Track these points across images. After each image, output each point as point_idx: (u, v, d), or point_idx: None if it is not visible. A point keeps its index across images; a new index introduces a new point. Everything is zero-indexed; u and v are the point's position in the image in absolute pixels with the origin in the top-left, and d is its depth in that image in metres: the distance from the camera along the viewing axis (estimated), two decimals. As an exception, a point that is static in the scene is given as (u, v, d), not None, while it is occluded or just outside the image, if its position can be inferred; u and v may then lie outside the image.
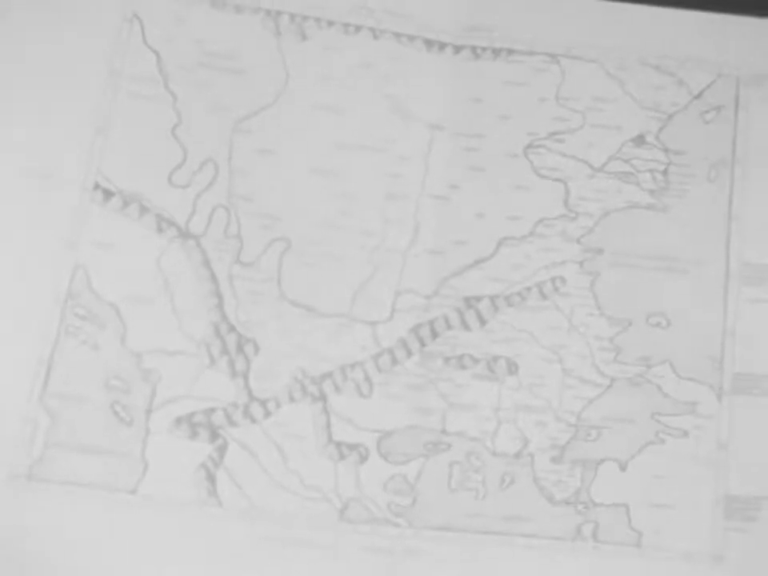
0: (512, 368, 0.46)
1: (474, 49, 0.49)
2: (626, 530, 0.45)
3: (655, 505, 0.45)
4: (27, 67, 0.47)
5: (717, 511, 0.45)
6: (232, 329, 0.45)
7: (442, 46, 0.49)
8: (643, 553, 0.44)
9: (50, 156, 0.46)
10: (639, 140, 0.48)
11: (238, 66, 0.48)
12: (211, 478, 0.44)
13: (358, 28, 0.49)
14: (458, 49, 0.49)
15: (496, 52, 0.49)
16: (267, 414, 0.45)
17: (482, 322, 0.46)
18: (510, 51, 0.49)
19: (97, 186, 0.46)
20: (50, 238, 0.45)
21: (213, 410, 0.44)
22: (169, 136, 0.47)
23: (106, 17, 0.48)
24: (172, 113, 0.47)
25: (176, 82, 0.48)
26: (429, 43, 0.49)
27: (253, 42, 0.48)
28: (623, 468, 0.45)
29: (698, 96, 0.49)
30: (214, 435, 0.44)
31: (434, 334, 0.46)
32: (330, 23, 0.49)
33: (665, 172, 0.48)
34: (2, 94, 0.46)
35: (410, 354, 0.46)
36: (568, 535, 0.44)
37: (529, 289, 0.47)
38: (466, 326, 0.46)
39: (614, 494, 0.45)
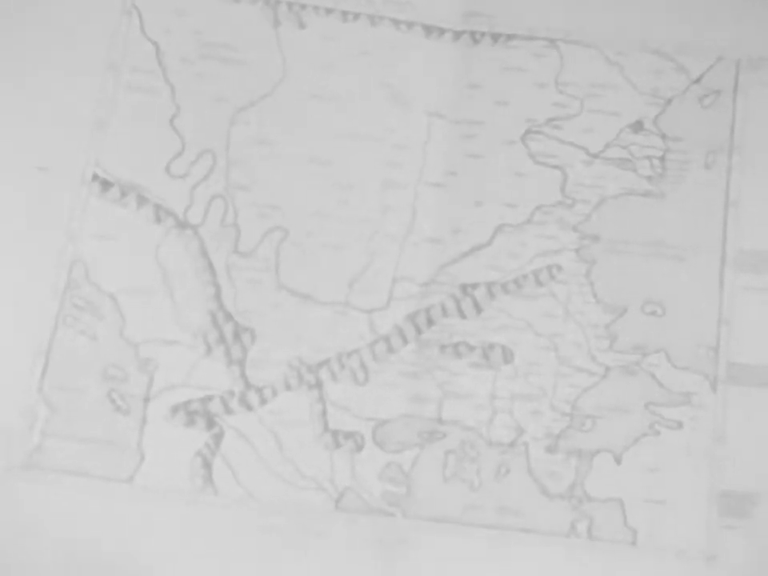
0: (508, 356, 0.46)
1: (473, 35, 0.49)
2: (621, 527, 0.44)
3: (650, 500, 0.44)
4: (25, 58, 0.47)
5: (711, 508, 0.44)
6: (229, 318, 0.46)
7: (441, 32, 0.49)
8: (638, 550, 0.44)
9: (49, 147, 0.46)
10: (637, 126, 0.48)
11: (237, 57, 0.48)
12: (207, 466, 0.44)
13: (356, 15, 0.49)
14: (457, 35, 0.49)
15: (495, 38, 0.49)
16: (263, 401, 0.45)
17: (479, 309, 0.46)
18: (509, 37, 0.49)
19: (95, 177, 0.46)
20: (48, 229, 0.46)
21: (209, 398, 0.45)
22: (167, 126, 0.47)
23: (106, 8, 0.48)
24: (170, 103, 0.48)
25: (175, 73, 0.48)
26: (428, 30, 0.49)
27: (251, 32, 0.49)
28: (618, 460, 0.45)
29: (697, 80, 0.48)
30: (210, 423, 0.45)
31: (430, 322, 0.46)
32: (329, 11, 0.49)
33: (662, 158, 0.48)
34: (0, 86, 0.47)
35: (405, 341, 0.46)
36: (562, 531, 0.44)
37: (525, 276, 0.46)
38: (462, 314, 0.46)
39: (609, 489, 0.44)
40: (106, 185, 0.46)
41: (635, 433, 0.45)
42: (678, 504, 0.44)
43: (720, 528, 0.44)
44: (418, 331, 0.46)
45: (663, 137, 0.48)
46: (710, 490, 0.44)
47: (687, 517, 0.44)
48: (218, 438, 0.44)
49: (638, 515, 0.44)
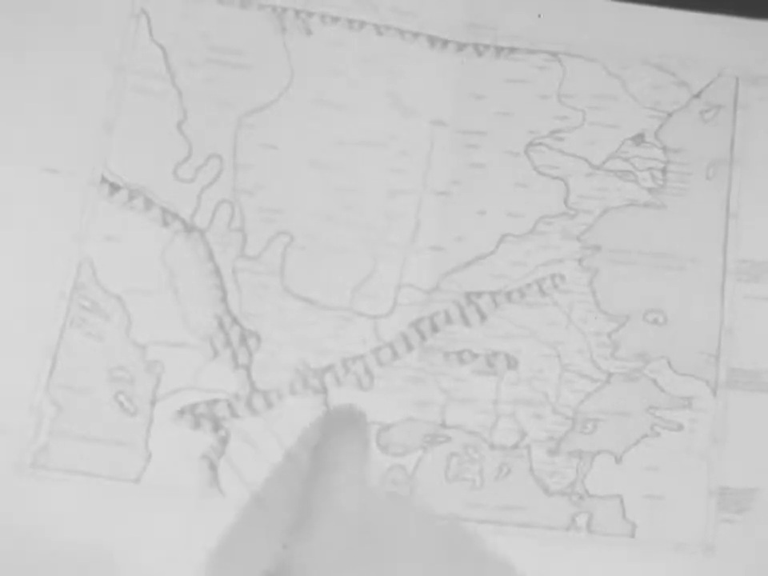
0: (511, 363, 0.46)
1: (476, 46, 0.49)
2: (620, 520, 0.45)
3: (649, 496, 0.45)
4: (34, 60, 0.47)
5: (710, 503, 0.45)
6: (235, 321, 0.46)
7: (445, 43, 0.49)
8: (636, 543, 0.45)
9: (57, 150, 0.46)
10: (639, 138, 0.49)
11: (244, 62, 0.49)
12: (213, 468, 0.44)
13: (362, 24, 0.49)
14: (461, 46, 0.49)
15: (498, 50, 0.50)
16: (269, 405, 0.45)
17: (483, 317, 0.47)
18: (512, 49, 0.50)
19: (103, 180, 0.47)
20: (56, 231, 0.46)
21: (216, 401, 0.45)
22: (174, 131, 0.48)
23: (114, 11, 0.48)
24: (178, 108, 0.48)
25: (182, 77, 0.48)
26: (432, 40, 0.49)
27: (258, 38, 0.49)
28: (618, 460, 0.46)
29: (698, 95, 0.50)
30: (216, 426, 0.45)
31: (435, 329, 0.47)
32: (335, 19, 0.49)
33: (663, 170, 0.49)
34: (8, 89, 0.47)
35: (410, 348, 0.46)
36: (562, 525, 0.45)
37: (529, 285, 0.47)
38: (466, 322, 0.47)
39: (609, 486, 0.45)
40: (113, 188, 0.47)
41: (636, 434, 0.46)
42: (676, 499, 0.45)
43: (718, 521, 0.45)
44: (423, 338, 0.47)
45: (664, 149, 0.49)
46: (708, 486, 0.46)
47: (686, 511, 0.45)
48: (224, 440, 0.45)
49: (637, 510, 0.45)
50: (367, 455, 0.45)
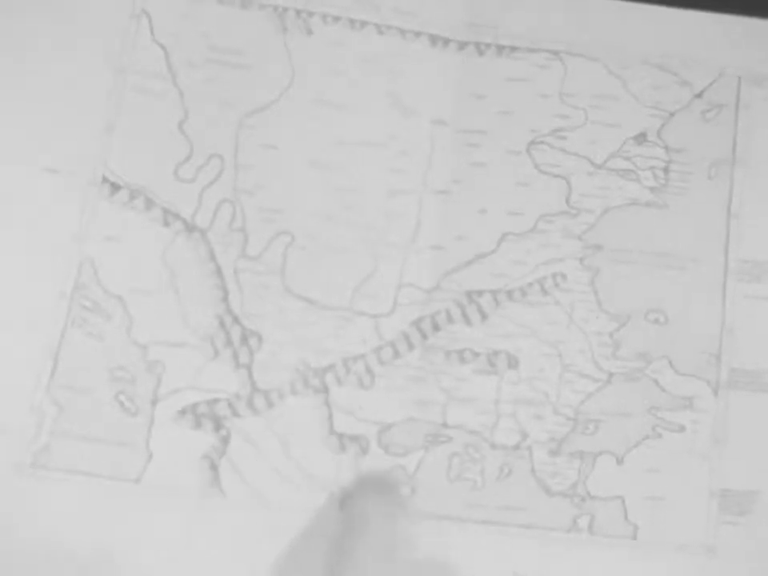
0: (512, 362, 0.46)
1: (477, 45, 0.49)
2: (622, 522, 0.45)
3: (651, 498, 0.45)
4: (35, 61, 0.47)
5: (711, 504, 0.45)
6: (236, 321, 0.46)
7: (446, 42, 0.49)
8: (638, 545, 0.45)
9: (59, 150, 0.47)
10: (641, 138, 0.49)
11: (245, 62, 0.49)
12: (214, 468, 0.44)
13: (363, 23, 0.49)
14: (462, 45, 0.49)
15: (500, 49, 0.49)
16: (270, 405, 0.45)
17: (484, 316, 0.47)
18: (513, 48, 0.49)
19: (104, 180, 0.47)
20: (57, 231, 0.46)
21: (216, 400, 0.45)
22: (175, 131, 0.48)
23: (115, 11, 0.49)
24: (179, 108, 0.48)
25: (183, 77, 0.48)
26: (433, 39, 0.49)
27: (259, 38, 0.49)
28: (620, 461, 0.46)
29: (700, 95, 0.49)
30: (217, 426, 0.45)
31: (436, 328, 0.47)
32: (336, 19, 0.49)
33: (665, 170, 0.49)
34: (8, 89, 0.47)
35: (411, 347, 0.46)
36: (564, 526, 0.45)
37: (530, 284, 0.47)
38: (467, 321, 0.47)
39: (611, 487, 0.45)
40: (114, 188, 0.47)
41: (637, 435, 0.46)
42: (678, 501, 0.46)
43: (720, 523, 0.45)
44: (424, 337, 0.46)
45: (666, 148, 0.49)
46: (710, 488, 0.45)
47: (687, 513, 0.45)
48: (225, 440, 0.45)
49: (639, 511, 0.45)
50: (399, 513, 0.45)
